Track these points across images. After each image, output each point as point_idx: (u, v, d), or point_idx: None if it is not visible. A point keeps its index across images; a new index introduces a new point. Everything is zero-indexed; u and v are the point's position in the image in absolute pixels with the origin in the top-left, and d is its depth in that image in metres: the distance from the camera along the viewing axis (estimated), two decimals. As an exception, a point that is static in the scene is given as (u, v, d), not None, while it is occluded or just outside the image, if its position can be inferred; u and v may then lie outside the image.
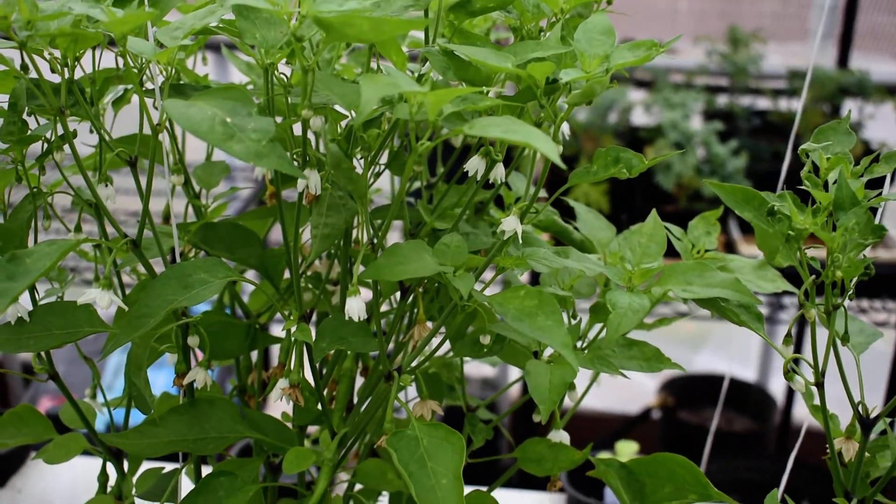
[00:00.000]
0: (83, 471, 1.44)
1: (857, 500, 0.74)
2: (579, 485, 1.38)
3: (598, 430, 2.63)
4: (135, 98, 0.89)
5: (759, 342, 2.84)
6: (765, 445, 2.58)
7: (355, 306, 0.71)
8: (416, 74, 0.80)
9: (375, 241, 0.75)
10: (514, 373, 2.81)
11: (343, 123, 0.79)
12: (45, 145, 0.80)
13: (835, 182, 0.76)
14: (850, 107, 2.52)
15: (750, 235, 2.11)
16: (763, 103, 2.70)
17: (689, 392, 2.65)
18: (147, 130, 0.77)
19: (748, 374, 2.85)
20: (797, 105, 2.59)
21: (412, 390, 0.84)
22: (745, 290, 0.77)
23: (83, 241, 0.69)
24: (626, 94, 2.50)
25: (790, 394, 2.54)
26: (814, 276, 0.72)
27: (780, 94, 2.65)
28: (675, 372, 2.73)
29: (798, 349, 2.42)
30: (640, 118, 2.55)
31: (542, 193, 0.78)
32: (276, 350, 0.97)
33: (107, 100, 0.87)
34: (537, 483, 1.55)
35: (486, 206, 0.90)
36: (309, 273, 0.93)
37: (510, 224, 0.72)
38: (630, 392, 2.84)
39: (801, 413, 2.64)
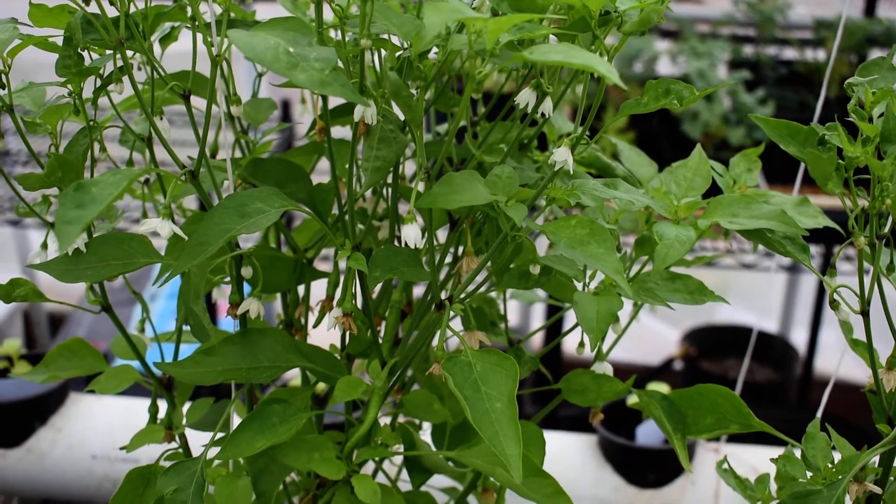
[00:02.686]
0: (122, 410, 1.47)
1: (899, 427, 0.76)
2: (609, 425, 1.40)
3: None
4: (180, 37, 0.91)
5: (781, 293, 2.84)
6: (786, 396, 2.60)
7: (412, 233, 0.72)
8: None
9: (430, 171, 0.76)
10: (537, 321, 2.83)
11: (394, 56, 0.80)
12: (97, 81, 0.81)
13: (880, 116, 0.77)
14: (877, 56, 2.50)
15: (775, 185, 2.11)
16: (790, 53, 2.68)
17: (712, 343, 2.67)
18: (198, 67, 0.79)
19: (770, 325, 2.86)
20: (823, 55, 2.57)
21: (455, 325, 0.85)
22: (791, 222, 0.78)
23: (148, 170, 0.71)
24: (651, 43, 2.48)
25: (812, 345, 2.54)
26: (864, 205, 0.73)
27: (807, 45, 2.63)
28: (698, 323, 2.76)
29: (820, 289, 2.43)
30: (665, 68, 2.54)
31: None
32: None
33: (153, 38, 0.88)
34: (565, 425, 1.57)
35: (530, 143, 0.91)
36: (354, 209, 0.95)
37: (562, 155, 0.73)
38: (652, 343, 2.86)
39: (823, 365, 2.65)
